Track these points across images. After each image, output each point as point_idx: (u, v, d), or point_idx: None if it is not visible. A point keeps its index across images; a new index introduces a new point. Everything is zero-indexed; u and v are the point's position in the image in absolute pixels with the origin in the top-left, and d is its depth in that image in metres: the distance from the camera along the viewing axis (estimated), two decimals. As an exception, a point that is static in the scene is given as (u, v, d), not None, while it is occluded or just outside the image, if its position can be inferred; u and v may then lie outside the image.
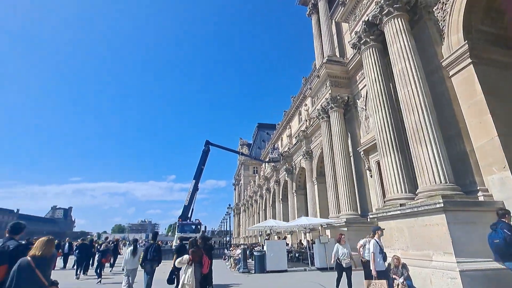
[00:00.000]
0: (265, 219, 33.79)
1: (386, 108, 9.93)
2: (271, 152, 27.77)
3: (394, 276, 6.99)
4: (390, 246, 8.93)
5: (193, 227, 25.11)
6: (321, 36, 17.78)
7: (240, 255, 14.47)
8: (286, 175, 27.30)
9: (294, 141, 26.91)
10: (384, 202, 9.80)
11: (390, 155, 9.42)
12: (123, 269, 8.80)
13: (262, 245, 17.78)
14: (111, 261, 15.24)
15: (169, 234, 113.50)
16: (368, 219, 13.22)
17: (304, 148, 22.49)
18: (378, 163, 12.63)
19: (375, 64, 10.63)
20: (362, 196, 14.17)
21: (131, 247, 9.25)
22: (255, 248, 21.51)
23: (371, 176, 13.63)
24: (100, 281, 10.89)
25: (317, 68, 17.41)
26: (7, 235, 3.85)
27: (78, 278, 12.03)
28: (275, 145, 28.68)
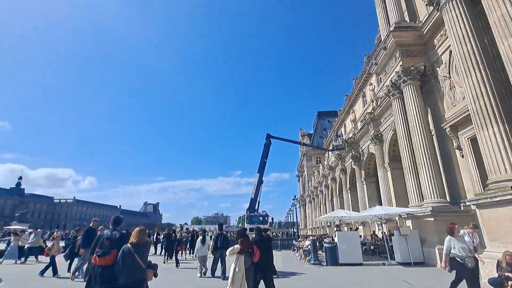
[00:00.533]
0: (332, 209, 32.19)
1: (482, 69, 7.93)
2: (334, 140, 26.04)
3: (507, 274, 5.59)
4: (499, 239, 7.19)
5: (261, 218, 25.54)
6: (384, 2, 15.51)
7: (309, 247, 13.87)
8: (352, 162, 25.28)
9: (359, 125, 24.66)
10: (487, 186, 7.88)
11: (493, 126, 7.48)
12: (195, 256, 9.70)
13: (332, 236, 16.76)
14: (188, 249, 16.84)
15: (239, 225, 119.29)
16: (462, 207, 11.01)
17: (372, 132, 20.29)
18: (472, 140, 10.34)
19: (462, 17, 8.59)
20: (451, 180, 11.86)
21: (201, 237, 10.23)
22: (324, 240, 20.58)
23: (462, 156, 11.26)
24: (177, 265, 12.11)
25: (382, 39, 15.27)
26: (111, 226, 4.59)
27: (164, 262, 13.37)
28: (338, 132, 26.85)
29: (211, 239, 10.83)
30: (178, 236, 14.95)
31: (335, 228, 15.04)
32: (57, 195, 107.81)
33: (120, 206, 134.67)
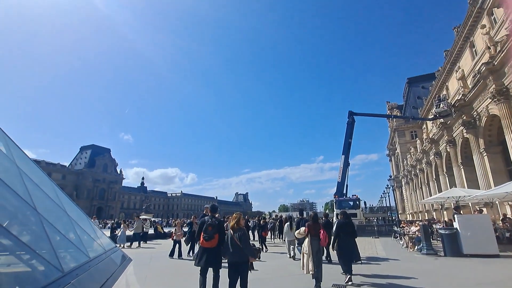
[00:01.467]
0: (438, 190, 26.86)
1: None
2: (435, 106, 21.15)
3: None
4: None
5: (351, 203, 23.23)
6: None
7: (418, 233, 11.55)
8: (464, 131, 20.14)
9: (470, 83, 19.38)
10: None
11: None
12: (284, 240, 10.37)
13: (449, 221, 13.61)
14: (278, 234, 17.59)
15: (327, 211, 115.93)
16: None
17: (493, 87, 15.48)
18: None
19: None
20: None
21: (288, 222, 10.76)
22: (436, 225, 17.13)
23: None
24: (264, 250, 12.19)
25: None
26: (209, 213, 5.32)
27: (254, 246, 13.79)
28: (440, 96, 21.73)
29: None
30: (262, 222, 14.96)
31: (454, 211, 12.06)
32: (169, 190, 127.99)
33: (216, 197, 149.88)
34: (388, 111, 49.54)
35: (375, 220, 39.62)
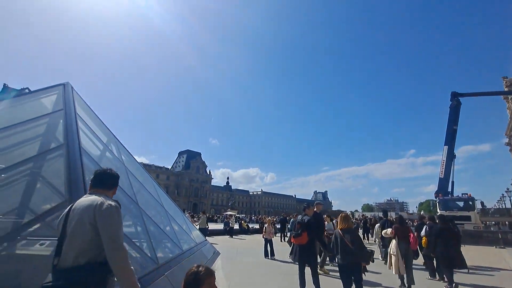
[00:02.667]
0: None
1: None
2: None
3: None
4: None
5: (461, 203, 18.56)
6: None
7: None
8: None
9: None
10: None
11: None
12: (374, 241, 10.56)
13: None
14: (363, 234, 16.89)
15: (421, 212, 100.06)
16: None
17: None
18: None
19: None
20: None
21: (378, 224, 10.27)
22: None
23: None
24: None
25: None
26: (303, 212, 5.57)
27: None
28: None
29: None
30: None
31: None
32: (251, 189, 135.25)
33: (295, 195, 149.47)
34: (506, 88, 38.80)
35: (495, 225, 31.55)
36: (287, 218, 16.94)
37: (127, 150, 7.23)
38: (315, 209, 6.60)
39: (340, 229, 4.45)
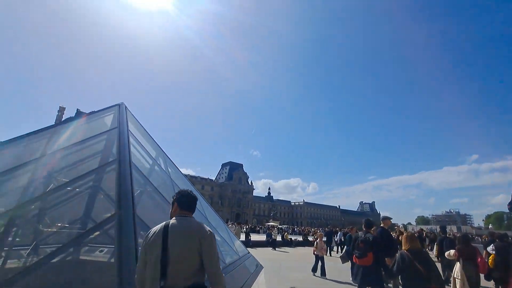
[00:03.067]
0: None
1: None
2: None
3: None
4: None
5: None
6: None
7: None
8: None
9: None
10: None
11: None
12: (438, 259, 8.22)
13: None
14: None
15: (490, 226, 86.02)
16: None
17: None
18: None
19: None
20: None
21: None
22: None
23: None
24: None
25: None
26: (364, 229, 4.98)
27: None
28: None
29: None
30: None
31: None
32: (292, 199, 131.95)
33: (339, 206, 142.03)
34: None
35: None
36: (333, 230, 15.92)
37: (174, 163, 7.55)
38: (381, 225, 6.04)
39: (406, 250, 3.89)
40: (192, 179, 79.74)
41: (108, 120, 5.80)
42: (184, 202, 2.09)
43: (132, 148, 4.67)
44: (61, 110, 41.09)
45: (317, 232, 17.42)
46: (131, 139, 4.95)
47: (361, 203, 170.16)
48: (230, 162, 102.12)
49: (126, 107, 6.38)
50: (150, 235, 1.93)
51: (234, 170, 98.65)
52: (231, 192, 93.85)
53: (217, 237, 6.18)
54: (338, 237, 17.49)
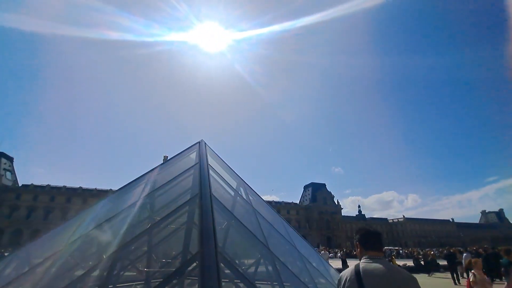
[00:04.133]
0: None
1: None
2: None
3: None
4: None
5: None
6: None
7: None
8: None
9: None
10: None
11: None
12: None
13: None
14: None
15: None
16: None
17: None
18: None
19: None
20: None
21: None
22: None
23: None
24: None
25: None
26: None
27: None
28: None
29: None
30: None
31: None
32: (390, 216, 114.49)
33: (452, 219, 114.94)
34: None
35: None
36: (456, 254, 12.29)
37: (255, 192, 7.35)
38: None
39: None
40: (276, 205, 79.77)
41: (192, 157, 6.12)
42: (367, 242, 1.98)
43: (212, 181, 4.65)
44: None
45: (475, 264, 7.67)
46: (211, 172, 4.98)
47: (483, 212, 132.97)
48: (312, 183, 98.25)
49: (206, 143, 6.69)
50: (342, 281, 1.87)
51: (317, 191, 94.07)
52: (317, 214, 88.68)
53: (308, 267, 5.39)
54: (464, 260, 13.40)
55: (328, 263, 13.96)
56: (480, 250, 17.61)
